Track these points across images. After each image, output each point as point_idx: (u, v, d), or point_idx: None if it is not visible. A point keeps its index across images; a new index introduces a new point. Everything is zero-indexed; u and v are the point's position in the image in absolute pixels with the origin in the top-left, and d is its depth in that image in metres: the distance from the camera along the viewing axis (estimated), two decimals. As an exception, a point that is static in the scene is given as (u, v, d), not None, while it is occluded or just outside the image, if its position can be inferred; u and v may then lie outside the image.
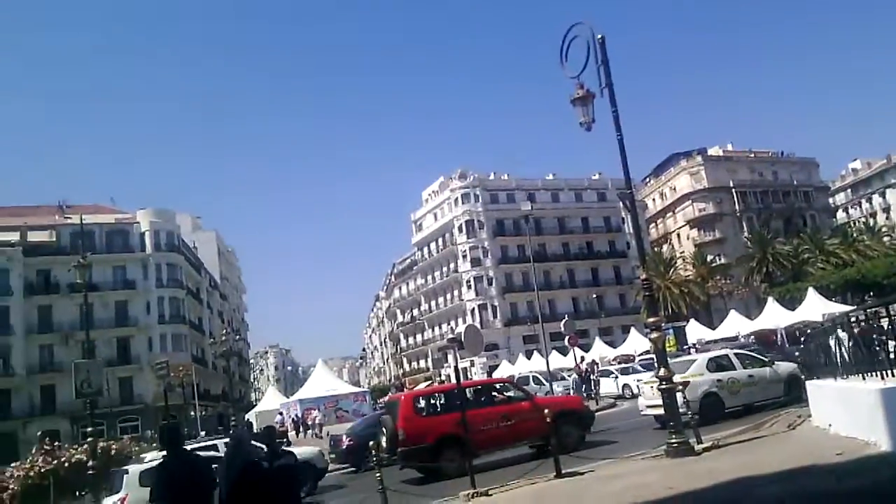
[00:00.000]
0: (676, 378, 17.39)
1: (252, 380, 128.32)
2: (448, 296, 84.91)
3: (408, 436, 14.44)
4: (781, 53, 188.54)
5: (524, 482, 11.37)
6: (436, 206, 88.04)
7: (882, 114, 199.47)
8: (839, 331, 10.79)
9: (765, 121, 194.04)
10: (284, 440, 26.35)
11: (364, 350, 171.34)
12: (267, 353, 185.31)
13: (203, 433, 45.80)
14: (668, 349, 21.90)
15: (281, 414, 44.30)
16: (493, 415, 15.14)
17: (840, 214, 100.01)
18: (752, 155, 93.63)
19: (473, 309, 78.30)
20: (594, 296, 78.10)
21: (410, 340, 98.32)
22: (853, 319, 10.41)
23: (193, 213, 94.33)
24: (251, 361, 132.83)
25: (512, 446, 15.37)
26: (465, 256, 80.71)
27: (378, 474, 10.90)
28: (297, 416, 43.94)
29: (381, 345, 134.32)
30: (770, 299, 44.58)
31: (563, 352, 44.16)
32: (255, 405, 66.75)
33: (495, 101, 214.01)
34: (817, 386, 12.47)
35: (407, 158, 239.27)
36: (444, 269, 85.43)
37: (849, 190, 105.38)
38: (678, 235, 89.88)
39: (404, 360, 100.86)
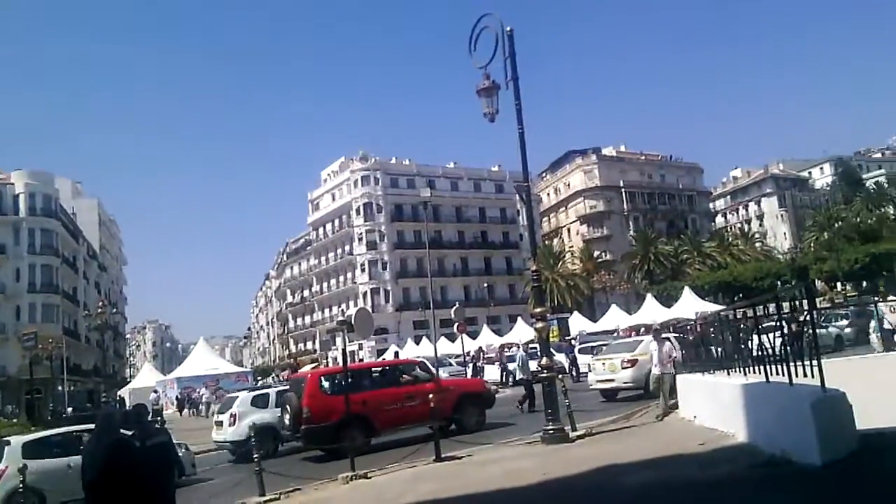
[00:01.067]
0: (626, 356, 18.61)
1: (128, 356, 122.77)
2: (341, 278, 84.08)
3: (312, 414, 14.31)
4: (676, 65, 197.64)
5: (404, 465, 11.40)
6: (334, 186, 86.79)
7: (762, 126, 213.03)
8: (710, 329, 11.41)
9: (657, 125, 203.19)
10: (159, 419, 25.28)
11: (249, 330, 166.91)
12: (145, 328, 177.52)
13: (70, 409, 43.34)
14: (551, 339, 22.58)
15: (156, 392, 42.52)
16: (398, 395, 15.20)
17: (719, 219, 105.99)
18: (643, 157, 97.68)
19: (366, 292, 77.91)
20: (485, 285, 79.44)
21: (299, 321, 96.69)
22: (723, 319, 11.02)
23: (74, 178, 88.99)
24: (128, 336, 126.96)
25: (416, 426, 15.40)
26: (360, 239, 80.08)
27: (255, 455, 10.69)
28: (181, 394, 42.42)
29: (267, 325, 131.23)
30: (649, 296, 46.88)
31: (452, 338, 44.69)
32: (129, 382, 63.94)
33: (402, 86, 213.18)
34: (686, 380, 13.13)
35: (306, 138, 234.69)
36: (339, 250, 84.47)
37: (728, 196, 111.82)
38: (569, 230, 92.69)
39: (291, 341, 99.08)
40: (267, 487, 10.38)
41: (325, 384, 15.62)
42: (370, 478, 10.71)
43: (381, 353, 61.97)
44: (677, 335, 15.51)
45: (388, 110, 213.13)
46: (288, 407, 15.20)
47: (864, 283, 55.23)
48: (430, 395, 14.58)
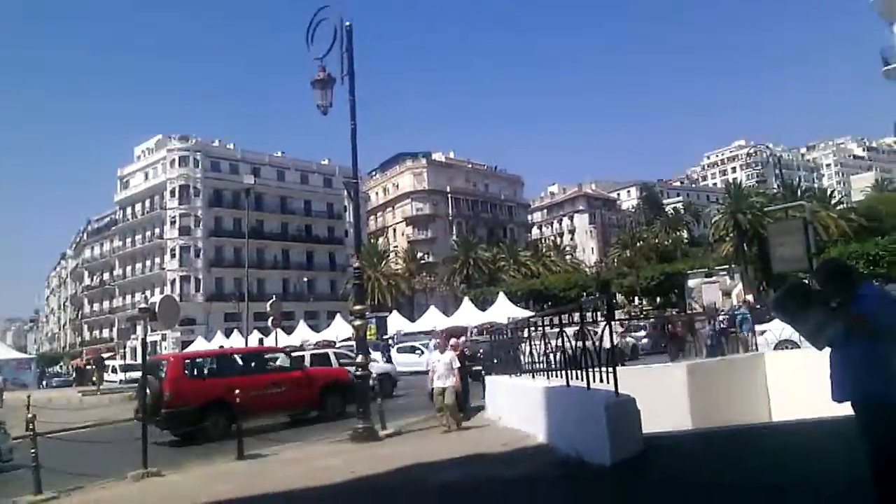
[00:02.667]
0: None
1: None
2: (148, 263, 78.96)
3: (174, 397, 14.06)
4: (508, 79, 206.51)
5: (203, 463, 10.81)
6: (149, 164, 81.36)
7: (580, 147, 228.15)
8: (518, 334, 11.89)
9: (485, 136, 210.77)
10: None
11: (37, 313, 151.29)
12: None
13: None
14: (368, 337, 22.54)
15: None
16: (263, 382, 15.23)
17: (535, 231, 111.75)
18: (470, 165, 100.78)
19: (175, 280, 73.78)
20: (306, 279, 78.03)
21: (96, 307, 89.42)
22: (532, 325, 11.54)
23: None
24: None
25: (281, 413, 15.85)
26: (174, 223, 75.69)
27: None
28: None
29: (59, 308, 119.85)
30: (466, 299, 48.36)
31: (266, 332, 43.39)
32: None
33: (230, 69, 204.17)
34: (493, 381, 13.61)
35: (120, 109, 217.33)
36: (148, 233, 79.31)
37: (545, 210, 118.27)
38: (394, 230, 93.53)
39: (86, 327, 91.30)
40: (53, 483, 9.35)
41: (188, 368, 15.48)
42: (164, 476, 10.03)
43: (186, 344, 58.87)
44: (489, 338, 16.04)
45: (213, 91, 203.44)
46: (148, 390, 14.41)
47: (658, 299, 60.62)
48: (297, 383, 15.25)
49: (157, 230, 77.63)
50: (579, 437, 7.92)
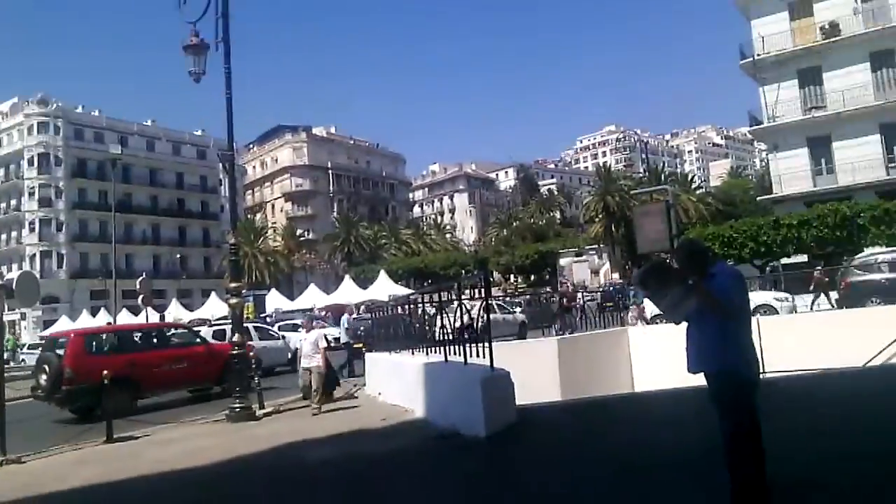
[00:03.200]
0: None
1: None
2: (4, 236, 73.01)
3: (75, 374, 13.59)
4: (393, 56, 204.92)
5: (68, 447, 10.26)
6: (3, 130, 74.89)
7: (463, 127, 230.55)
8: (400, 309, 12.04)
9: (368, 112, 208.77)
10: None
11: None
12: None
13: None
14: (246, 316, 22.09)
15: None
16: (166, 357, 15.16)
17: (416, 209, 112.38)
18: (352, 141, 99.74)
19: (35, 255, 68.72)
20: (178, 255, 74.81)
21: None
22: (412, 302, 11.71)
23: None
24: None
25: (184, 387, 15.93)
26: (32, 194, 70.31)
27: None
28: None
29: None
30: (347, 277, 48.12)
31: (135, 311, 41.44)
32: None
33: (94, 29, 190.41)
34: (373, 358, 13.73)
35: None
36: (3, 204, 73.24)
37: (426, 189, 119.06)
38: (273, 206, 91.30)
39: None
40: None
41: (90, 344, 15.13)
42: (24, 462, 9.46)
43: (48, 324, 55.22)
44: (369, 316, 16.10)
45: (76, 52, 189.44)
46: (46, 367, 14.20)
47: (532, 277, 62.74)
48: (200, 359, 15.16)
49: (12, 201, 71.81)
50: (457, 410, 8.18)
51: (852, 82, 34.65)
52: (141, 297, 30.77)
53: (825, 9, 35.62)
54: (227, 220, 57.37)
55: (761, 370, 4.56)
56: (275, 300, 45.26)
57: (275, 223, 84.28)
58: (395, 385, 11.34)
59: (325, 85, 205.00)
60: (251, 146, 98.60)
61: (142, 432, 11.12)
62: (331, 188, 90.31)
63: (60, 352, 14.60)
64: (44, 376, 14.25)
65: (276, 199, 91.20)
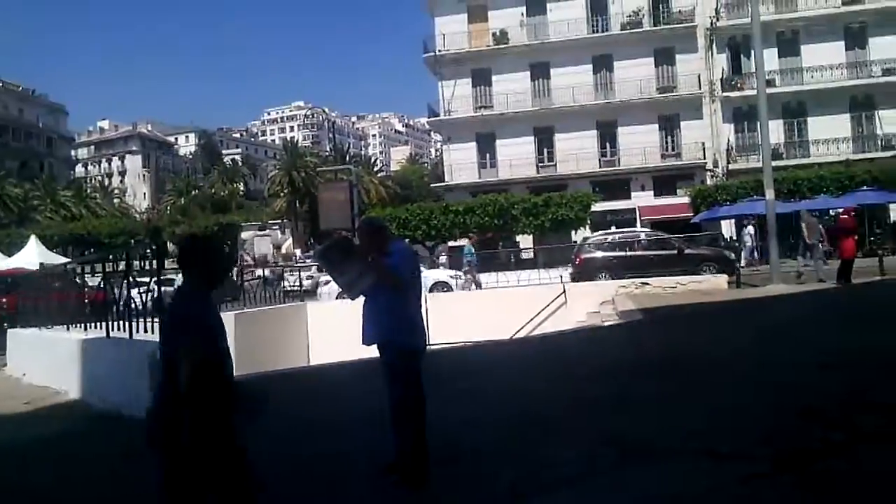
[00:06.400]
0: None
1: None
2: None
3: None
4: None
5: None
6: None
7: (137, 85, 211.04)
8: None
9: (26, 54, 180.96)
10: None
11: None
12: None
13: None
14: None
15: None
16: None
17: (80, 169, 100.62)
18: (1, 85, 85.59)
19: None
20: None
21: None
22: (69, 272, 10.49)
23: None
24: None
25: None
26: None
27: None
28: None
29: None
30: (-14, 242, 41.37)
31: None
32: None
33: None
34: (16, 334, 12.12)
35: None
36: None
37: (92, 147, 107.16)
38: None
39: None
40: None
41: None
42: None
43: None
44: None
45: None
46: None
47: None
48: None
49: None
50: (119, 389, 7.52)
51: (515, 87, 39.10)
52: None
53: (498, 17, 39.57)
54: None
55: (428, 341, 4.92)
56: None
57: None
58: (45, 364, 10.10)
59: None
60: None
61: None
62: (-30, 137, 76.68)
63: None
64: None
65: None
